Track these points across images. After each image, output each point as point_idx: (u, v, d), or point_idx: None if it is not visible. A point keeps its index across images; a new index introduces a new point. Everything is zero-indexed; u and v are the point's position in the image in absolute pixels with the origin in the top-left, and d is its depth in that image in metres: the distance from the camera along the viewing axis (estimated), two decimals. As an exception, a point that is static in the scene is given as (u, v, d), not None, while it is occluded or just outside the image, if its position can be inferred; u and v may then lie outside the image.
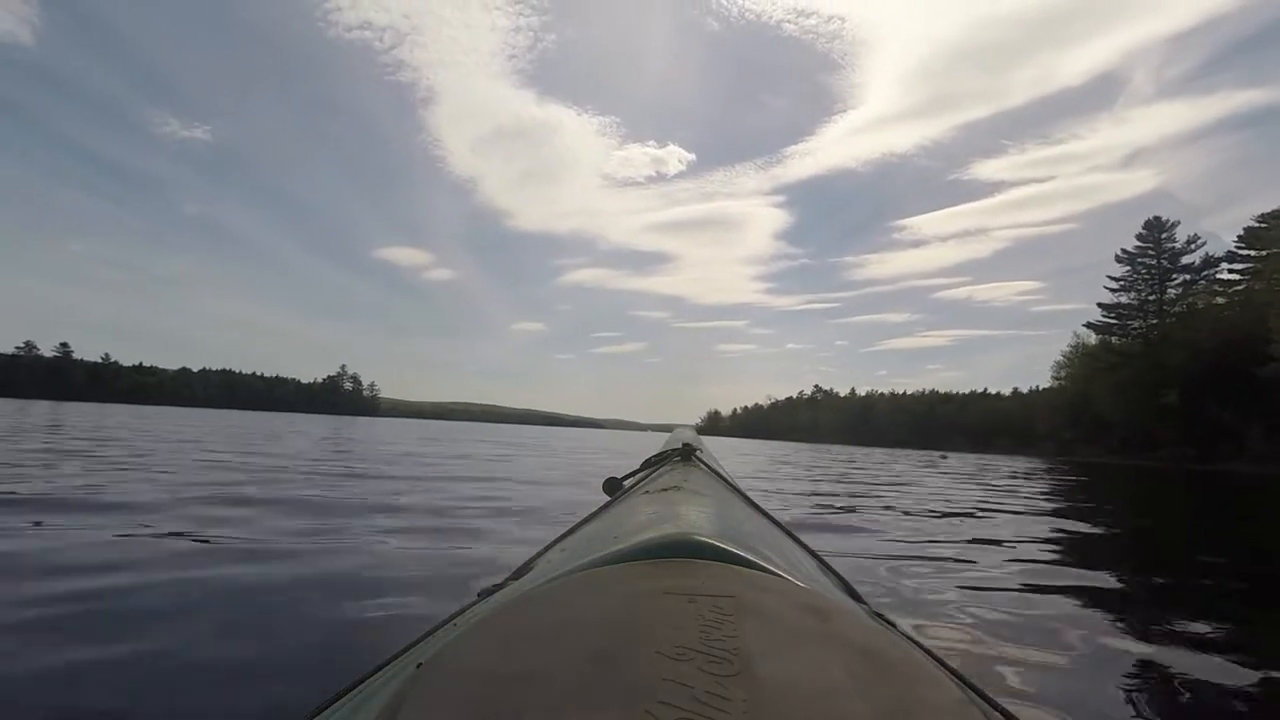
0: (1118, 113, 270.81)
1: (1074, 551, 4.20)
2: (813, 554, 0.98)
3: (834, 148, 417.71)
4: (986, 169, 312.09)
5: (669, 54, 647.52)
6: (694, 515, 0.68)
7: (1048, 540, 4.56)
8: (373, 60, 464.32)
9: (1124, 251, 49.98)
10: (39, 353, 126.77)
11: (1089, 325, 52.97)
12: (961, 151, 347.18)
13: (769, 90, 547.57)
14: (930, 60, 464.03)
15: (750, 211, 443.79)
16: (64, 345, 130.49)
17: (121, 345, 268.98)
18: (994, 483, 11.13)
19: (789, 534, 1.01)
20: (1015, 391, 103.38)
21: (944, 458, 30.25)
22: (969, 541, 4.24)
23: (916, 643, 0.53)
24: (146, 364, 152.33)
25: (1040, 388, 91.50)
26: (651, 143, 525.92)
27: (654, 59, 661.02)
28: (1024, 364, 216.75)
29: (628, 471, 1.32)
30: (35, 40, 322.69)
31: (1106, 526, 5.74)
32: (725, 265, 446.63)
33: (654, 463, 1.28)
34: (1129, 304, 49.93)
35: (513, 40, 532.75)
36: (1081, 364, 53.97)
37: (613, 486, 1.18)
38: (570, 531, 0.94)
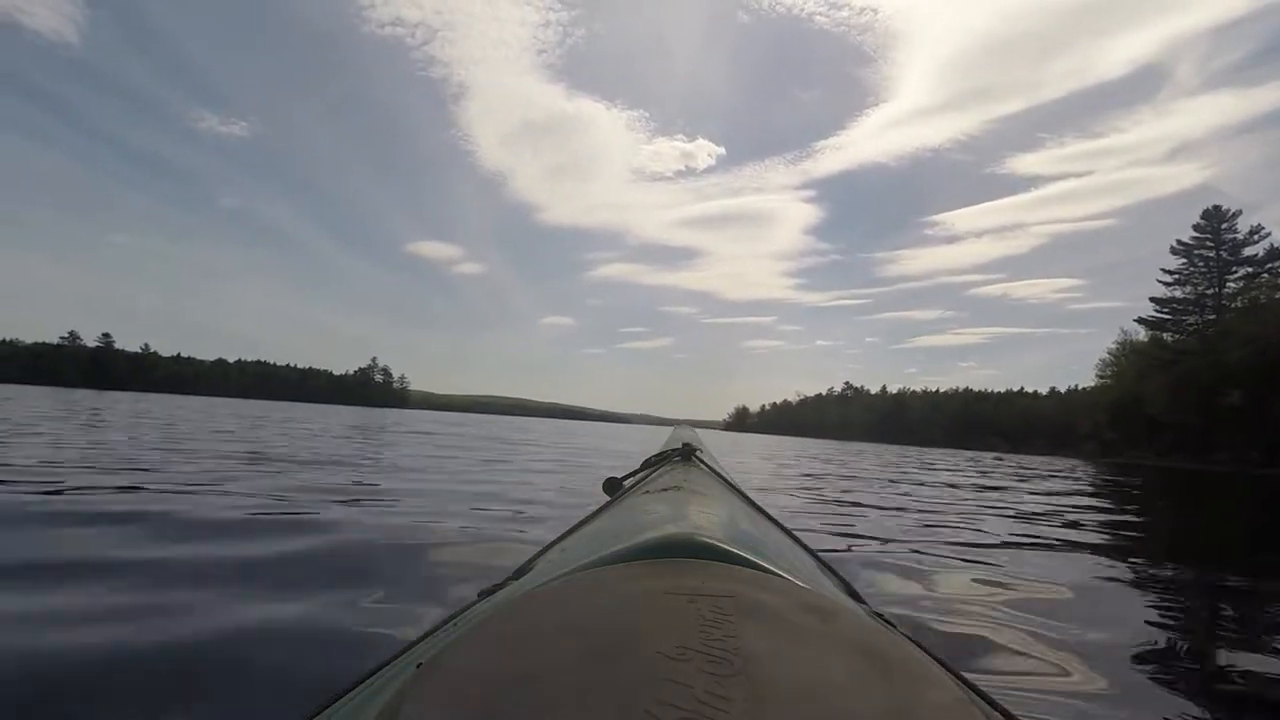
0: (1160, 105, 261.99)
1: None
2: (813, 554, 0.96)
3: (865, 142, 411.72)
4: (1023, 163, 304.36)
5: (699, 47, 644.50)
6: (694, 515, 0.69)
7: None
8: (404, 56, 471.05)
9: (1180, 243, 47.38)
10: (82, 342, 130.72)
11: (1140, 321, 50.43)
12: (996, 145, 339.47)
13: (799, 84, 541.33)
14: (964, 52, 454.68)
15: (780, 206, 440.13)
16: (106, 335, 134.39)
17: (160, 335, 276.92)
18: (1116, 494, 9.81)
19: (789, 534, 0.99)
20: (1053, 391, 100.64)
21: (998, 459, 28.15)
22: None
23: (917, 643, 0.53)
24: (184, 354, 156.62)
25: (1079, 387, 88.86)
26: (681, 137, 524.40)
27: (684, 52, 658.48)
28: (1061, 362, 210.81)
29: (628, 471, 1.29)
30: (80, 39, 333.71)
31: None
32: (754, 261, 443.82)
33: (654, 463, 1.27)
34: (1184, 298, 47.38)
35: (542, 35, 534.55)
36: (1130, 362, 51.40)
37: (613, 486, 1.18)
38: (570, 531, 0.93)
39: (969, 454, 33.92)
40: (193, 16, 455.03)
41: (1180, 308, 47.53)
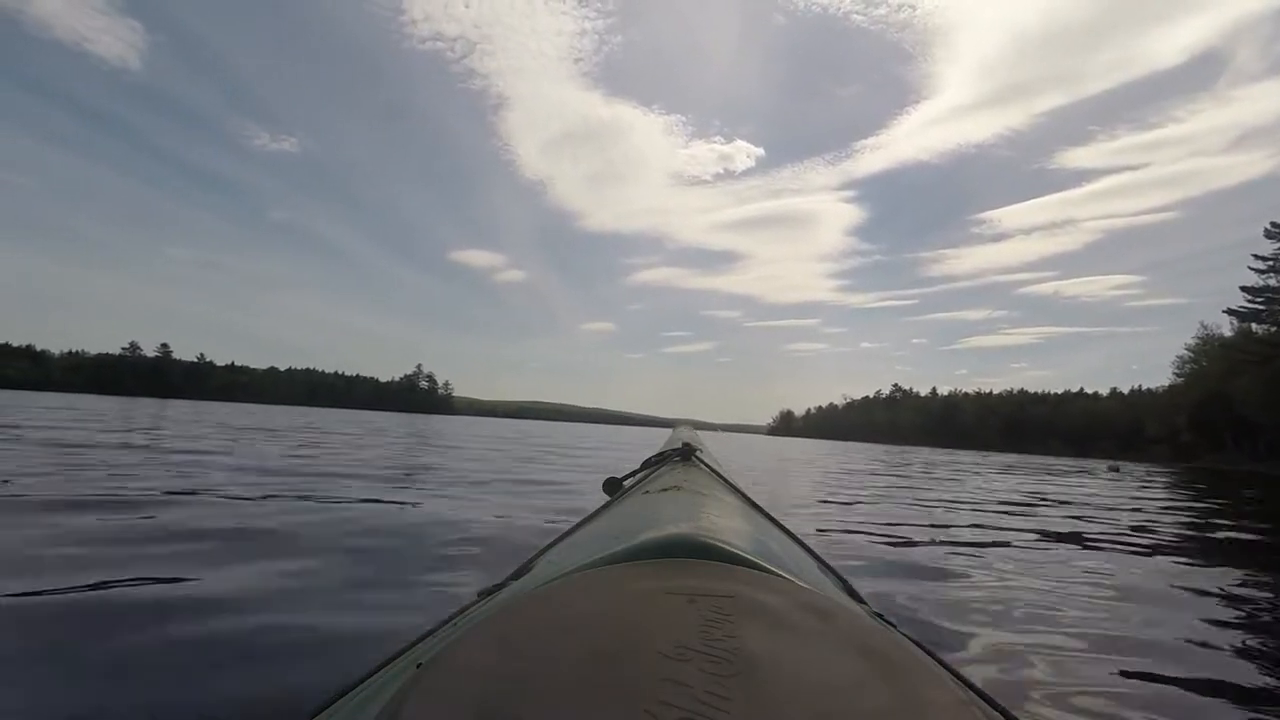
0: (1220, 93, 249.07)
1: None
2: (813, 554, 0.97)
3: (907, 140, 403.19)
4: (1072, 157, 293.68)
5: (734, 49, 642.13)
6: (694, 515, 0.69)
7: None
8: (445, 70, 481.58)
9: (1274, 225, 43.13)
10: (142, 353, 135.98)
11: (1230, 312, 46.20)
12: (1045, 140, 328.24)
13: (838, 83, 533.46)
14: (1007, 46, 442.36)
15: (821, 208, 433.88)
16: (164, 346, 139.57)
17: (214, 344, 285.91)
18: None
19: (789, 534, 1.01)
20: (1114, 392, 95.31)
21: (1114, 468, 23.36)
22: None
23: (917, 643, 0.53)
24: (238, 363, 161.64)
25: (1143, 387, 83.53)
26: (719, 139, 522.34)
27: (719, 55, 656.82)
28: (1120, 362, 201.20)
29: (628, 471, 1.30)
30: (141, 63, 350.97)
31: None
32: (796, 263, 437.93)
33: (654, 463, 1.28)
34: (1281, 286, 43.07)
35: (579, 44, 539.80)
36: (1215, 358, 47.15)
37: (613, 486, 1.17)
38: (570, 531, 0.93)
39: (1077, 463, 29.89)
40: (245, 39, 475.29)
41: (1276, 296, 43.31)
